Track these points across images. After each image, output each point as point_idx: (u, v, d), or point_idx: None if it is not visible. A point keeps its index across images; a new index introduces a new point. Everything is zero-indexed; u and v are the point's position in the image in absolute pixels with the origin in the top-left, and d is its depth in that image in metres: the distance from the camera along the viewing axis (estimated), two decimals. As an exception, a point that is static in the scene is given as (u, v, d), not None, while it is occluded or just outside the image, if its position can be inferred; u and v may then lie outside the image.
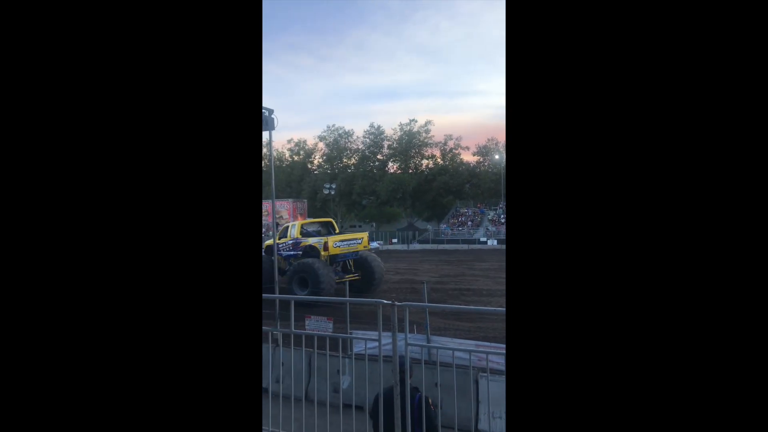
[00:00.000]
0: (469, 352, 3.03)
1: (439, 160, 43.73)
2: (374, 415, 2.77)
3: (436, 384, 5.17)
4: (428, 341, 6.65)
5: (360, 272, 13.25)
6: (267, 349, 5.13)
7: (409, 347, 2.73)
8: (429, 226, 39.32)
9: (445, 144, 43.67)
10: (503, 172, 40.18)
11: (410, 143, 43.31)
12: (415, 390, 2.69)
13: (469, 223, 36.70)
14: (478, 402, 5.70)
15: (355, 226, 45.14)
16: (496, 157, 41.69)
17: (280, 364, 6.16)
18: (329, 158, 45.16)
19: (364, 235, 13.81)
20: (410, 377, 2.73)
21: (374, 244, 33.13)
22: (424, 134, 43.59)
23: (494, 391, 5.39)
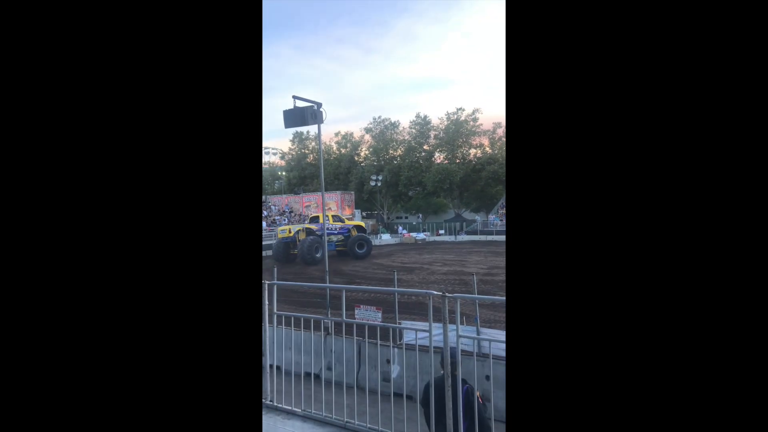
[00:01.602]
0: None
1: (487, 149, 42.57)
2: (425, 404, 2.77)
3: (487, 377, 5.08)
4: (478, 333, 6.55)
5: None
6: (319, 337, 5.30)
7: (460, 339, 2.69)
8: (477, 217, 38.52)
9: (494, 132, 42.42)
10: (556, 159, 38.19)
11: (457, 132, 42.47)
12: (463, 381, 2.66)
13: (520, 213, 35.47)
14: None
15: (401, 218, 45.16)
16: (548, 144, 39.64)
17: (331, 351, 6.34)
18: (375, 150, 45.36)
19: (288, 228, 21.62)
20: (460, 368, 2.71)
21: (420, 236, 33.11)
22: (471, 123, 42.60)
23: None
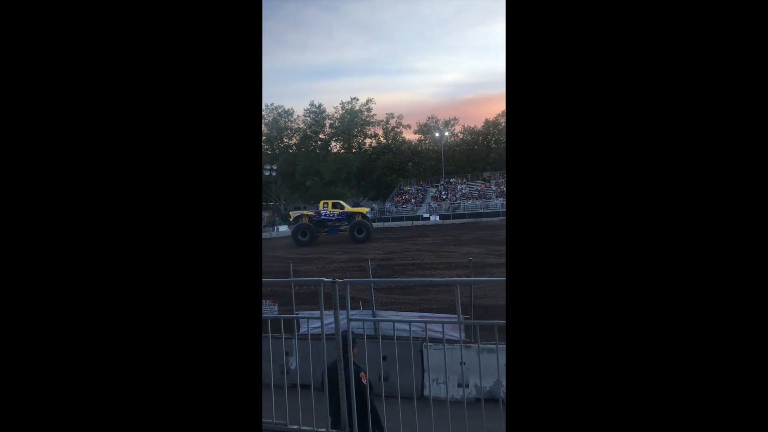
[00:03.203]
0: (409, 323, 3.15)
1: (381, 138, 43.79)
2: (323, 389, 2.81)
3: (383, 357, 5.33)
4: (374, 315, 6.79)
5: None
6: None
7: (354, 323, 2.78)
8: (374, 205, 39.56)
9: (387, 122, 43.74)
10: (443, 149, 41.16)
11: (352, 122, 42.84)
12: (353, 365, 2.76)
13: (413, 200, 37.41)
14: (423, 370, 5.96)
15: (299, 208, 44.38)
16: (436, 135, 42.52)
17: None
18: (269, 138, 43.52)
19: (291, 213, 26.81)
20: (354, 352, 2.80)
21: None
22: (366, 113, 43.30)
23: (435, 359, 5.67)
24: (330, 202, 24.81)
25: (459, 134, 45.15)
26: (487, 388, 5.48)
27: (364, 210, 25.76)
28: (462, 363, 6.11)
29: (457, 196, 36.58)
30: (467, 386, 5.58)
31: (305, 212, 24.74)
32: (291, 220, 24.55)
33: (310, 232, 22.54)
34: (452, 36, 69.19)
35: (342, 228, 23.18)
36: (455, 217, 31.49)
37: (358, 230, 22.59)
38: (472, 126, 46.45)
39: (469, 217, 32.52)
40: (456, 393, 5.38)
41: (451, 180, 39.54)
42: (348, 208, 24.84)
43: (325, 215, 23.43)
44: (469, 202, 35.56)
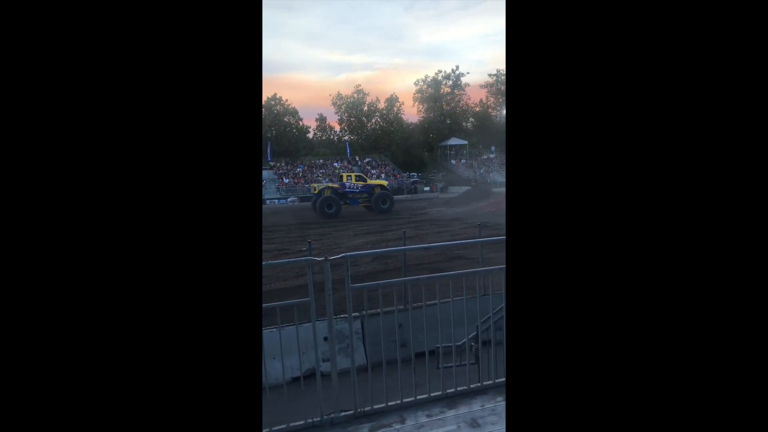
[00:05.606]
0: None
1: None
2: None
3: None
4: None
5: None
6: None
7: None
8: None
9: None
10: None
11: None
12: None
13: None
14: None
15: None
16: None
17: None
18: None
19: (314, 185, 26.44)
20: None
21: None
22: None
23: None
24: (353, 174, 25.29)
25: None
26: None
27: (384, 183, 26.58)
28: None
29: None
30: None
31: (329, 184, 24.83)
32: (315, 192, 24.27)
33: (336, 205, 22.44)
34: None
35: (362, 200, 23.69)
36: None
37: (383, 201, 23.43)
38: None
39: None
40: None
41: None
42: (369, 180, 25.76)
43: (349, 188, 23.88)
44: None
